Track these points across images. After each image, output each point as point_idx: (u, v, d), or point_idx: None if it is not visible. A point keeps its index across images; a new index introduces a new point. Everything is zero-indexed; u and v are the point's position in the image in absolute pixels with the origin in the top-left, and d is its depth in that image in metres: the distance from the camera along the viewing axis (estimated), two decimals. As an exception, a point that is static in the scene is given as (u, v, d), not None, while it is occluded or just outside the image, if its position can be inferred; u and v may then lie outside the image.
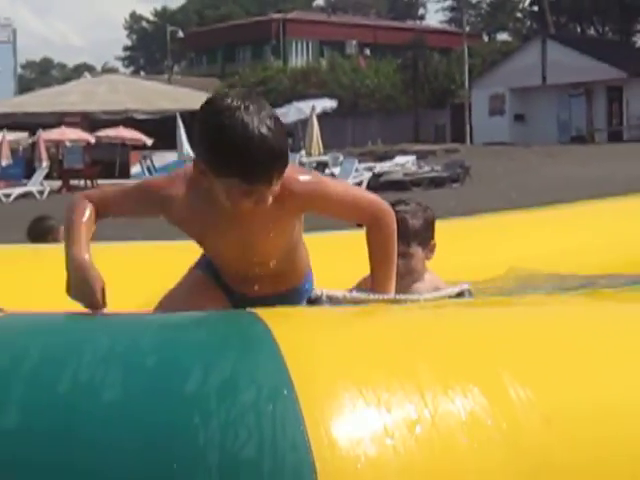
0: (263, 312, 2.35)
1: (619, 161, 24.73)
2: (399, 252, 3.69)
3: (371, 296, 2.77)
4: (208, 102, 2.89)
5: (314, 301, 2.69)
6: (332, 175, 25.19)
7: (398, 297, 2.91)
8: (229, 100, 2.77)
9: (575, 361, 2.43)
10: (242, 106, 2.72)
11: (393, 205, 3.73)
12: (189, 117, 34.55)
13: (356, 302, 2.71)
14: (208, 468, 1.87)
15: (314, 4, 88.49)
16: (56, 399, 2.02)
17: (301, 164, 26.96)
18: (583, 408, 2.29)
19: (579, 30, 65.05)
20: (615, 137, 43.07)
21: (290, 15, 72.64)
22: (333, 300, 2.69)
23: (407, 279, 3.86)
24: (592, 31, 65.91)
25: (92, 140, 35.29)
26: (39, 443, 1.95)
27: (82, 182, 32.47)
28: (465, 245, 6.76)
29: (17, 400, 2.03)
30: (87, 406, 2.00)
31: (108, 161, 34.88)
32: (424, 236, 4.11)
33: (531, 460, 2.11)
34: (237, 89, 2.84)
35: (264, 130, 2.66)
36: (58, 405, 2.01)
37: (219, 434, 1.90)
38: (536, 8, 63.32)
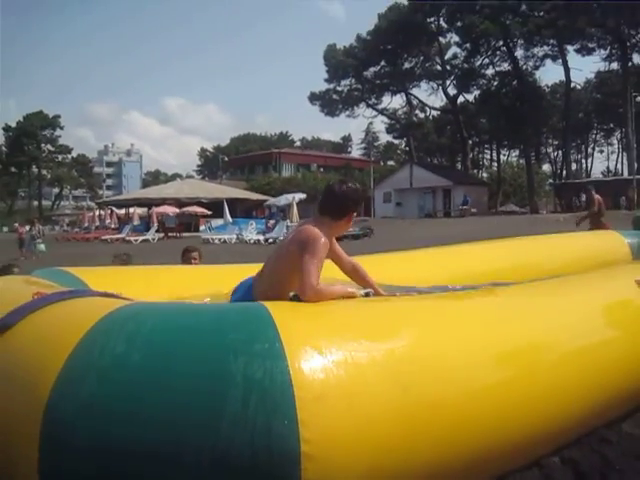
0: (265, 303, 2.33)
1: (449, 227, 25.00)
2: None
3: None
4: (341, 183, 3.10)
5: (293, 298, 2.68)
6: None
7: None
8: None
9: (421, 351, 2.28)
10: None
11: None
12: (230, 201, 34.54)
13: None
14: (236, 383, 1.86)
15: (295, 144, 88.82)
16: (159, 348, 1.98)
17: (287, 226, 26.80)
18: (424, 378, 2.24)
19: (429, 160, 65.86)
20: (447, 215, 43.37)
21: (283, 150, 72.92)
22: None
23: None
24: (436, 161, 66.87)
25: (179, 211, 35.12)
26: (150, 376, 1.91)
27: (175, 234, 32.32)
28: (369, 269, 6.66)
29: (140, 348, 1.99)
30: (172, 347, 1.97)
31: (188, 223, 34.64)
32: None
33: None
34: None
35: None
36: (161, 350, 1.98)
37: (242, 366, 1.89)
38: (407, 149, 64.14)
